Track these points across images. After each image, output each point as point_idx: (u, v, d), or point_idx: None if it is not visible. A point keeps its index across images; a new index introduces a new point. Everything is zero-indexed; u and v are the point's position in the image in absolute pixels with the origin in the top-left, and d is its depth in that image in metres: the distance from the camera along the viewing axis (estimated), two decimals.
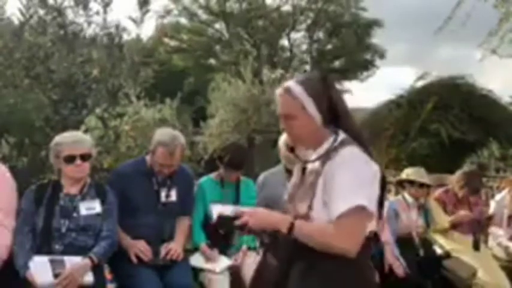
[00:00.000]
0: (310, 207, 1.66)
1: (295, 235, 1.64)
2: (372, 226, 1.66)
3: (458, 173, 4.22)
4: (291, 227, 1.64)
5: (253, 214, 1.72)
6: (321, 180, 1.65)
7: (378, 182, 1.65)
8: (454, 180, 4.23)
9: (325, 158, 1.67)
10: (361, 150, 1.65)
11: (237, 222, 1.69)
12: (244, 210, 1.75)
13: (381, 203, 1.68)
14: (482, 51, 7.23)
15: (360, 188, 1.58)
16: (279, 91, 1.77)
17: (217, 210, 1.86)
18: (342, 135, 1.71)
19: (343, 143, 1.67)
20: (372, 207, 1.60)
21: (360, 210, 1.57)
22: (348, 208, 1.56)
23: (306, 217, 1.66)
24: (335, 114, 1.71)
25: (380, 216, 1.70)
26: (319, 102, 1.70)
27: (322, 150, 1.72)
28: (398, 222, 3.83)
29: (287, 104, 1.74)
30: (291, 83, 1.75)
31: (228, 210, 1.82)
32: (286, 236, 1.66)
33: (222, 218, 1.74)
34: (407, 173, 4.00)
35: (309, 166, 1.76)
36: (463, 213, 4.02)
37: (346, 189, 1.58)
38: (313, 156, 1.75)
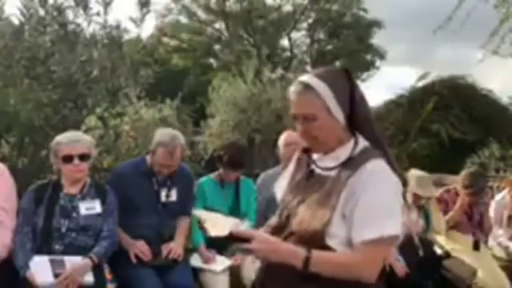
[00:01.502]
0: (328, 223, 1.48)
1: (311, 269, 1.45)
2: None
3: (463, 173, 4.20)
4: (307, 262, 1.45)
5: (264, 243, 1.50)
6: (344, 194, 1.48)
7: (401, 196, 1.51)
8: (458, 180, 4.22)
9: (347, 168, 1.51)
10: (385, 162, 1.49)
11: (244, 246, 1.50)
12: (255, 235, 1.52)
13: None
14: (483, 51, 7.22)
15: (390, 213, 1.44)
16: (296, 88, 1.54)
17: (231, 225, 1.65)
18: (362, 142, 1.55)
19: (367, 154, 1.51)
20: (400, 230, 1.46)
21: (389, 239, 1.45)
22: (378, 236, 1.42)
23: (321, 232, 1.48)
24: (356, 115, 1.53)
25: None
26: (343, 102, 1.51)
27: (341, 156, 1.54)
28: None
29: (307, 103, 1.52)
30: (311, 79, 1.52)
31: (240, 225, 1.65)
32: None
33: (231, 236, 1.55)
34: (412, 178, 3.93)
35: (320, 171, 1.60)
36: (456, 207, 4.01)
37: (376, 214, 1.44)
38: (327, 159, 1.59)
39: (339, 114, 1.52)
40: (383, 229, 1.42)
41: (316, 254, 1.46)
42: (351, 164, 1.50)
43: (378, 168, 1.48)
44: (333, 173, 1.54)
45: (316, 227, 1.49)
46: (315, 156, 1.66)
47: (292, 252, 1.48)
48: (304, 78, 1.54)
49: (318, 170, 1.61)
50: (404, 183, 1.55)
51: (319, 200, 1.52)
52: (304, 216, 1.53)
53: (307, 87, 1.52)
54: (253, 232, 1.57)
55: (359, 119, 1.54)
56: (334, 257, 1.47)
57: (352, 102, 1.52)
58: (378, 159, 1.49)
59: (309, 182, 1.62)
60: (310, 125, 1.53)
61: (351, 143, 1.55)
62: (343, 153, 1.55)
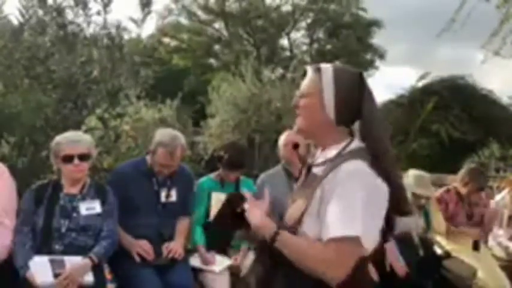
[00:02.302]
0: (300, 220, 1.51)
1: (277, 246, 1.49)
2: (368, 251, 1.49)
3: (463, 170, 4.19)
4: (274, 237, 1.50)
5: (255, 207, 1.62)
6: (319, 192, 1.50)
7: (384, 204, 1.48)
8: (457, 178, 4.22)
9: (330, 165, 1.52)
10: (369, 166, 1.47)
11: (245, 206, 1.62)
12: (250, 199, 1.66)
13: (389, 224, 1.53)
14: (484, 52, 7.21)
15: (358, 214, 1.41)
16: (311, 68, 1.65)
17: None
18: (355, 143, 1.56)
19: (351, 154, 1.51)
20: (368, 239, 1.43)
21: (353, 240, 1.40)
22: (341, 235, 1.40)
23: (294, 228, 1.52)
24: (360, 119, 1.56)
25: (386, 238, 1.56)
26: (341, 96, 1.55)
27: (330, 153, 1.57)
28: (398, 222, 3.80)
29: (308, 82, 1.62)
30: (326, 68, 1.60)
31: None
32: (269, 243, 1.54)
33: (234, 196, 1.67)
34: (411, 178, 3.93)
35: (313, 168, 1.63)
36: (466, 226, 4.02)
37: (343, 213, 1.41)
38: (321, 158, 1.62)
39: (330, 104, 1.55)
40: (346, 229, 1.40)
41: (285, 233, 1.51)
42: (333, 163, 1.52)
43: (353, 169, 1.46)
44: (319, 170, 1.58)
45: (291, 223, 1.55)
46: (317, 154, 1.69)
47: (268, 225, 1.56)
48: (323, 65, 1.63)
49: (312, 168, 1.65)
50: (399, 188, 1.52)
51: (304, 197, 1.56)
52: (291, 214, 1.59)
53: (316, 69, 1.62)
54: (249, 195, 1.67)
55: (363, 122, 1.56)
56: (300, 243, 1.49)
57: (358, 101, 1.55)
58: (359, 161, 1.48)
59: (306, 180, 1.66)
60: (301, 101, 1.62)
61: (345, 142, 1.57)
62: (334, 152, 1.57)
